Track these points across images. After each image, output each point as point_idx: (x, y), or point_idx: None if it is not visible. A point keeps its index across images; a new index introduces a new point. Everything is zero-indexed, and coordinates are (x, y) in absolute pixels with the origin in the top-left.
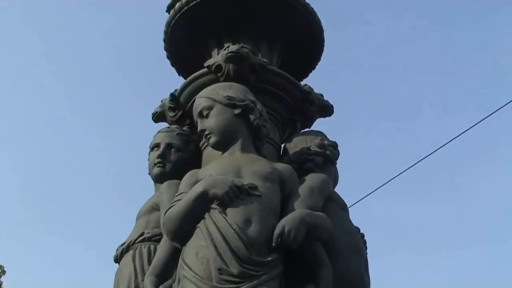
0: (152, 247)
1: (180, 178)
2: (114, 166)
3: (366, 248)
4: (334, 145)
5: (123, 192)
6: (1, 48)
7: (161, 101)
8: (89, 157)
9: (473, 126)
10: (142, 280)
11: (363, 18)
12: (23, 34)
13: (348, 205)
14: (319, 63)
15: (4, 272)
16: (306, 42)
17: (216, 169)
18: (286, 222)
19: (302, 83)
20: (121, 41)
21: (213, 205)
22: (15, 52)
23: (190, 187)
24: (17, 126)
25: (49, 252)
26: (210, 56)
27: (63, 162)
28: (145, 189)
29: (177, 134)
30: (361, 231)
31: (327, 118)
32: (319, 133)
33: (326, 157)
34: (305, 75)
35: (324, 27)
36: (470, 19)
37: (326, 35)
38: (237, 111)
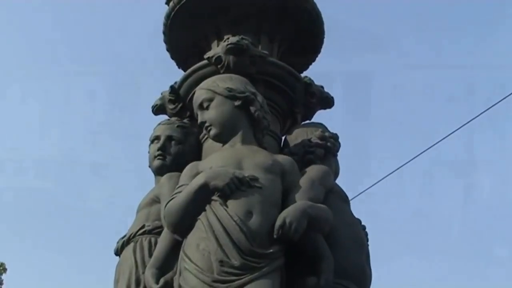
0: (153, 239)
1: (180, 170)
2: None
3: (367, 240)
4: (335, 137)
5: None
6: None
7: (161, 94)
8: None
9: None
10: (143, 273)
11: (364, 10)
12: None
13: (349, 198)
14: (319, 55)
15: (5, 270)
16: (306, 34)
17: (216, 161)
18: (288, 214)
19: (303, 75)
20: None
21: (214, 197)
22: None
23: (190, 179)
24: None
25: (51, 251)
26: (210, 48)
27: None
28: None
29: (177, 126)
30: (363, 223)
31: (327, 110)
32: (320, 125)
33: (327, 149)
34: (306, 67)
35: (324, 19)
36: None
37: (326, 26)
38: (237, 103)
